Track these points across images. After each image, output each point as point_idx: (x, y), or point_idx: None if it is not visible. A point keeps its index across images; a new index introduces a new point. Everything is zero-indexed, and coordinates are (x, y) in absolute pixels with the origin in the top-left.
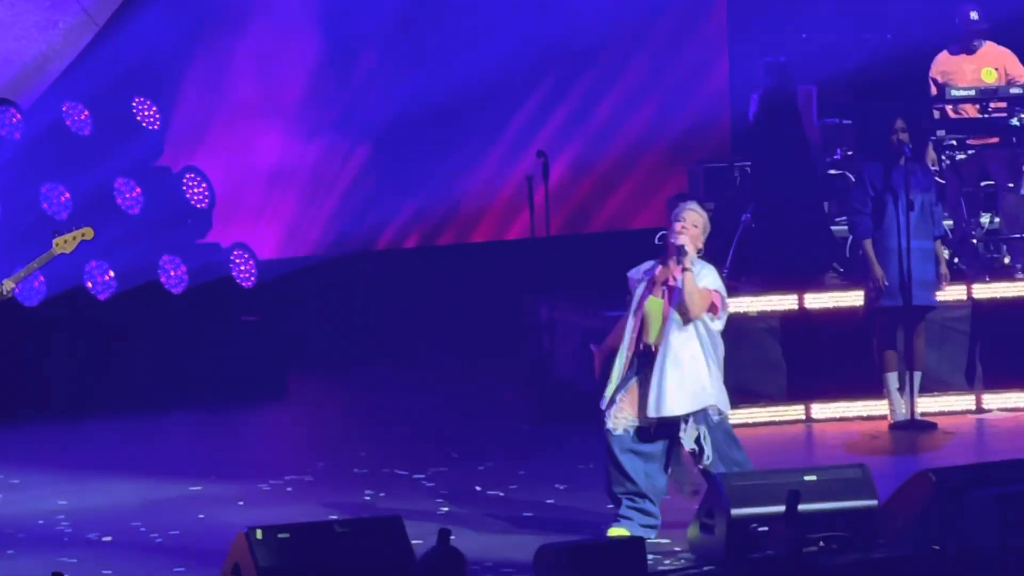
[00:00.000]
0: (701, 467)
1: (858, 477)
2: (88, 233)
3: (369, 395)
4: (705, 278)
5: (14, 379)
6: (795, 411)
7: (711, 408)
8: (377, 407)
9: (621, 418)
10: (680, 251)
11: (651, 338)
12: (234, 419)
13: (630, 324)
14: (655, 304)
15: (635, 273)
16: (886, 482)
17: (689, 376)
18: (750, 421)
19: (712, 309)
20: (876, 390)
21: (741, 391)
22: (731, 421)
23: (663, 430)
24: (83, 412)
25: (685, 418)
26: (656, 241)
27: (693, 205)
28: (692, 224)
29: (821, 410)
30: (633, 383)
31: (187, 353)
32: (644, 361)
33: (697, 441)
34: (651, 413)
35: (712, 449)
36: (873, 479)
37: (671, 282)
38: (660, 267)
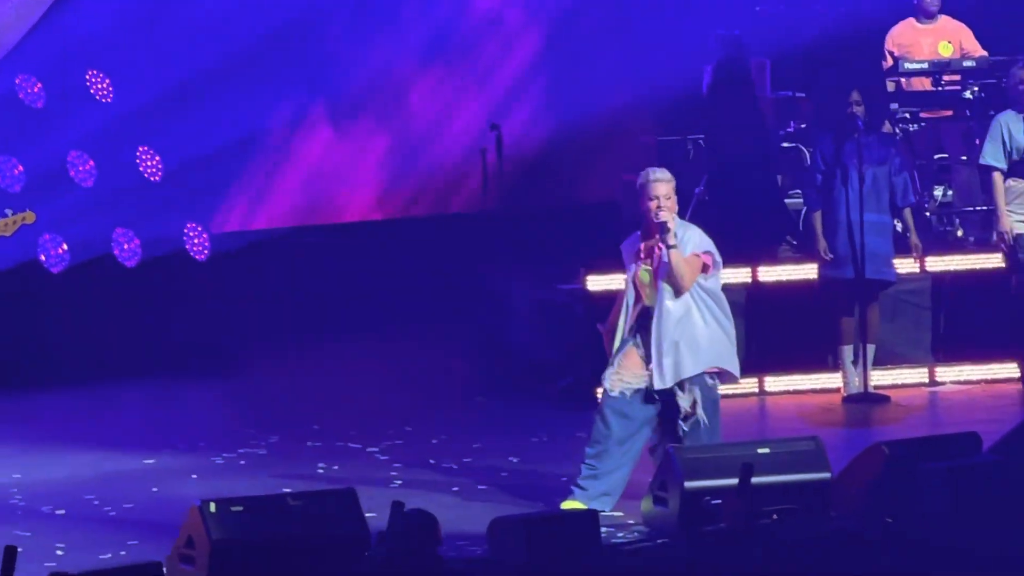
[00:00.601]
0: (685, 428)
1: (811, 450)
2: (29, 217)
3: (323, 369)
4: (690, 241)
5: None
6: (748, 384)
7: (708, 373)
8: (331, 381)
9: (617, 380)
10: (663, 229)
11: (649, 301)
12: (188, 392)
13: (628, 297)
14: (646, 273)
15: (626, 246)
16: (839, 455)
17: (686, 342)
18: None
19: (704, 270)
20: (829, 363)
21: None
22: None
23: (659, 393)
24: (37, 385)
25: (681, 383)
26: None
27: (660, 174)
28: (666, 196)
29: (775, 383)
30: (631, 345)
31: (141, 326)
32: (642, 323)
33: (692, 405)
34: (657, 385)
35: (703, 411)
36: (826, 452)
37: (657, 251)
38: (643, 243)
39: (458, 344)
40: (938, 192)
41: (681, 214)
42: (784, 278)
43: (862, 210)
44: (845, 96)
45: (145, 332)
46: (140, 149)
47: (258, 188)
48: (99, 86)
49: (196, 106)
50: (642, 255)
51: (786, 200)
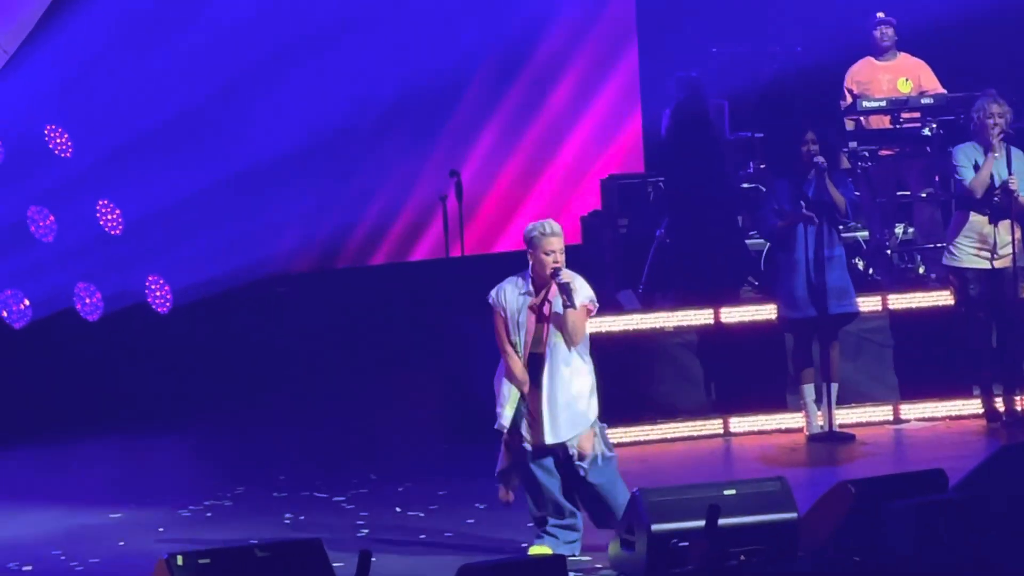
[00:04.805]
0: (585, 467)
1: (777, 490)
2: None
3: (287, 418)
4: (581, 291)
5: None
6: (713, 425)
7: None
8: (295, 430)
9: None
10: (567, 289)
11: (534, 348)
12: (152, 445)
13: (521, 343)
14: (539, 330)
15: (501, 297)
16: (805, 494)
17: (578, 396)
18: (668, 436)
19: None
20: (793, 403)
21: (658, 406)
22: (650, 437)
23: (558, 448)
24: (0, 442)
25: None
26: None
27: (555, 228)
28: (560, 251)
29: (739, 423)
30: (523, 406)
31: (104, 380)
32: (531, 372)
33: (588, 446)
34: (549, 440)
35: (603, 447)
36: (792, 491)
37: (547, 307)
38: (531, 297)
39: (423, 390)
40: (899, 229)
41: (642, 257)
42: (746, 319)
43: (820, 247)
44: (800, 137)
45: (108, 386)
46: (100, 203)
47: (219, 240)
48: (57, 140)
49: (155, 159)
50: (534, 307)
51: (747, 241)
